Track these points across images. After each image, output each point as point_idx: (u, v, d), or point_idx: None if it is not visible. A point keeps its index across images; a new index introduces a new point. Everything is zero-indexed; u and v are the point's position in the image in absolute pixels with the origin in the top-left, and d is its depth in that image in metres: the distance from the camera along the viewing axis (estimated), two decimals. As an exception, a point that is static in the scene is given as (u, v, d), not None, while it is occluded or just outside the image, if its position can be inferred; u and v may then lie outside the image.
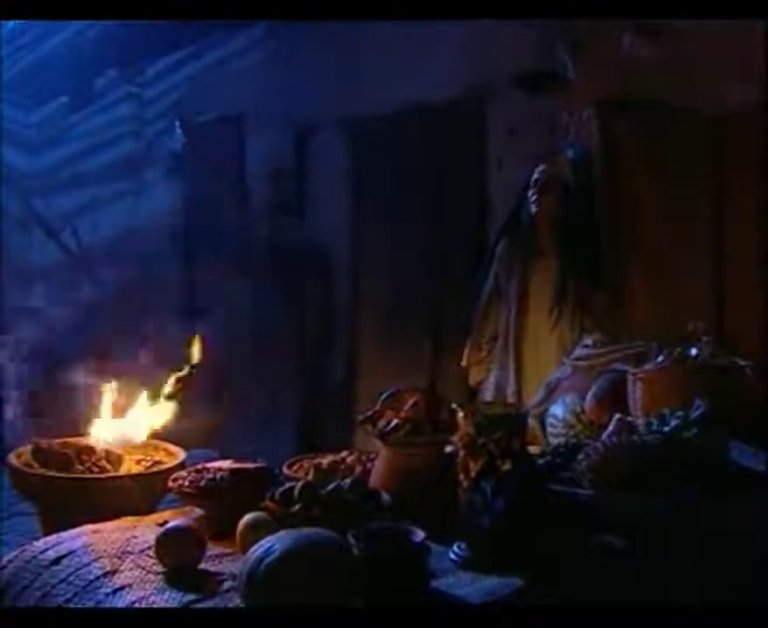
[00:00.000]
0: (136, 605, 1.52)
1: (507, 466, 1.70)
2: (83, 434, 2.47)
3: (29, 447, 2.35)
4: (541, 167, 3.53)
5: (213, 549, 1.74)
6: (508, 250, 3.62)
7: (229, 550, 1.75)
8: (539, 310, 3.51)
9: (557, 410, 2.66)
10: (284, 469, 2.16)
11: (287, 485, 1.85)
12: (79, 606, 1.57)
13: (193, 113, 5.60)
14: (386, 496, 1.83)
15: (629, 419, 2.30)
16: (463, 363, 3.78)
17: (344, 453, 2.28)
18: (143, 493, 2.18)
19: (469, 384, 3.78)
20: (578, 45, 3.71)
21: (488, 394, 3.63)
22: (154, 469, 2.28)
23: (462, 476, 1.74)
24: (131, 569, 1.67)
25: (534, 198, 3.50)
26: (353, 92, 4.55)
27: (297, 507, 1.75)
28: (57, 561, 1.72)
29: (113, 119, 6.19)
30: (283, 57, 4.99)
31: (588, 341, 2.97)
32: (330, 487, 1.80)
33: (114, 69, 6.14)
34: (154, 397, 2.51)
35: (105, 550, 1.74)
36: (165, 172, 5.79)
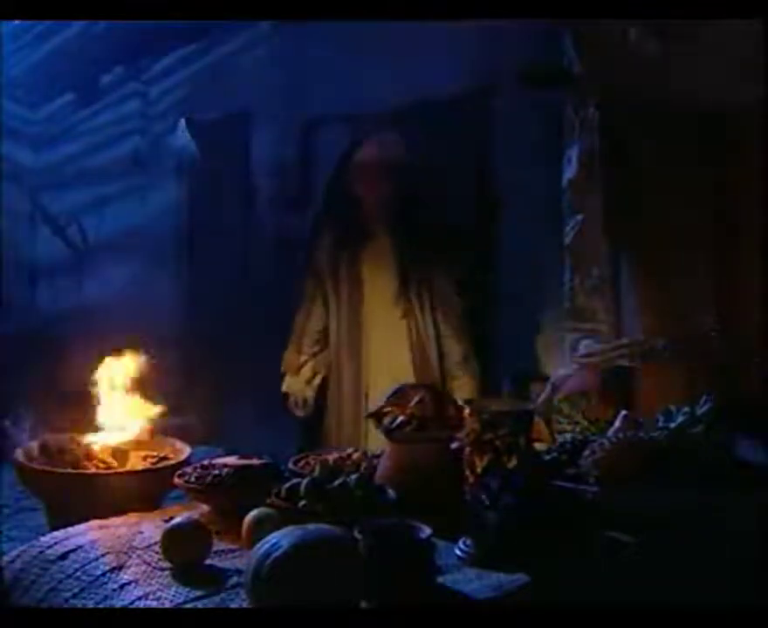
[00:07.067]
0: (142, 601, 1.53)
1: (513, 462, 1.70)
2: (89, 430, 2.48)
3: (35, 443, 2.35)
4: (367, 149, 3.17)
5: (219, 544, 1.75)
6: (333, 241, 3.24)
7: (234, 546, 1.75)
8: (378, 300, 3.19)
9: (562, 406, 2.65)
10: (290, 465, 2.16)
11: (293, 481, 1.85)
12: (86, 601, 1.57)
13: (198, 110, 5.59)
14: (391, 492, 1.83)
15: (635, 415, 2.30)
16: (282, 369, 3.30)
17: (350, 450, 2.28)
18: (149, 489, 2.18)
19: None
20: (583, 41, 3.69)
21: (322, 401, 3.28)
22: (160, 465, 2.29)
23: (467, 472, 1.74)
24: (137, 564, 1.67)
25: (363, 181, 3.14)
26: (356, 87, 4.54)
27: (302, 503, 1.75)
28: (63, 556, 1.72)
29: (119, 116, 6.19)
30: (288, 52, 4.99)
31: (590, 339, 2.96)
32: (336, 483, 1.80)
33: (120, 66, 6.14)
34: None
35: (111, 546, 1.75)
36: (170, 169, 5.78)
